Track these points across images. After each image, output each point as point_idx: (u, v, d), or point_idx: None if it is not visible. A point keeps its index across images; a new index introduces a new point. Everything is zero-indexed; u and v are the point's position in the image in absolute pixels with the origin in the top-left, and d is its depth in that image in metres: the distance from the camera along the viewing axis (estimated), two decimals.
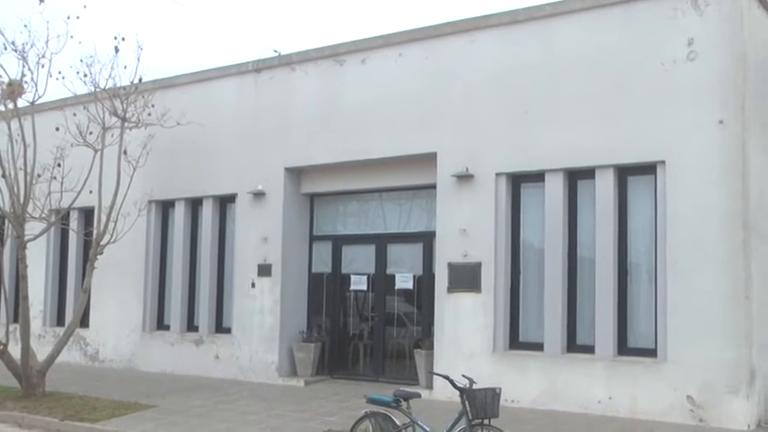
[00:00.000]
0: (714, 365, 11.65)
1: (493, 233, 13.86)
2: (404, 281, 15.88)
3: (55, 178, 15.65)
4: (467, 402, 8.38)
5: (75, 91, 16.15)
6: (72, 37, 15.09)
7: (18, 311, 15.74)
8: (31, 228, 15.37)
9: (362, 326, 16.63)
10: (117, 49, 15.68)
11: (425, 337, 15.06)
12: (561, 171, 13.40)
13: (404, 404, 8.98)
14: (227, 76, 17.63)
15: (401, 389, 9.41)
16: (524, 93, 13.69)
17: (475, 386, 8.56)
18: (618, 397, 12.45)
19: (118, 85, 16.01)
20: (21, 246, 14.79)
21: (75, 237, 19.40)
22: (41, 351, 16.14)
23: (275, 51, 17.05)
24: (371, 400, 9.21)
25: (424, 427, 8.92)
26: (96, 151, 15.53)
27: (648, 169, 12.70)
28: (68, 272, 20.09)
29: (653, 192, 12.68)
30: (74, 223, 19.11)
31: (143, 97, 16.32)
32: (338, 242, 16.87)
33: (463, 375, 8.88)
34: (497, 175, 13.92)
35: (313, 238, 17.18)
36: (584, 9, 13.28)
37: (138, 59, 15.99)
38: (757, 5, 12.68)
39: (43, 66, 15.09)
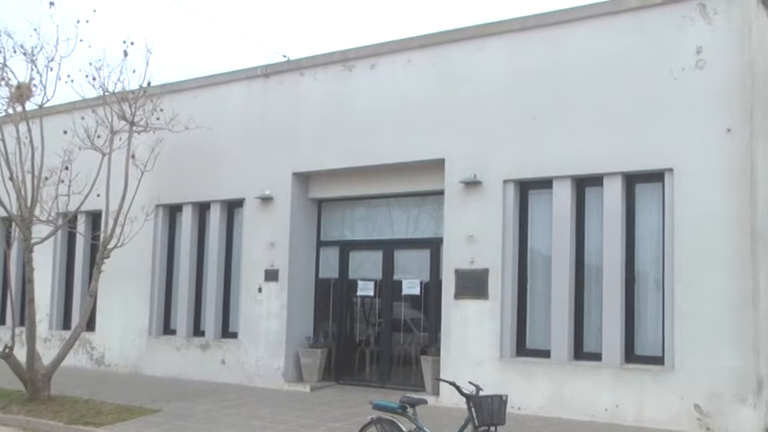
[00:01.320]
0: (721, 374, 11.61)
1: (500, 240, 13.84)
2: (411, 287, 15.85)
3: (62, 181, 15.66)
4: (473, 409, 8.35)
5: (84, 94, 16.17)
6: (81, 40, 15.11)
7: (24, 315, 15.76)
8: (38, 231, 15.40)
9: (369, 332, 16.62)
10: (126, 53, 15.70)
11: (432, 344, 15.04)
12: (569, 178, 13.39)
13: (410, 410, 8.95)
14: (235, 81, 17.65)
15: (407, 395, 9.38)
16: (533, 99, 13.68)
17: (481, 393, 8.54)
18: (625, 405, 12.41)
19: (126, 89, 16.02)
20: (27, 249, 14.79)
21: (82, 240, 19.44)
22: (47, 354, 16.15)
23: (284, 56, 17.09)
24: (377, 407, 9.18)
25: None
26: (104, 155, 15.54)
27: (656, 177, 12.68)
28: (75, 275, 20.10)
29: (660, 199, 12.66)
30: (81, 227, 19.12)
31: (152, 101, 16.34)
32: (345, 248, 16.86)
33: (470, 382, 8.85)
34: (505, 181, 13.91)
35: (320, 244, 17.18)
36: (593, 16, 13.29)
37: (147, 63, 16.00)
38: (766, 14, 12.67)
39: (52, 69, 15.13)
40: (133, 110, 15.99)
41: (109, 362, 18.99)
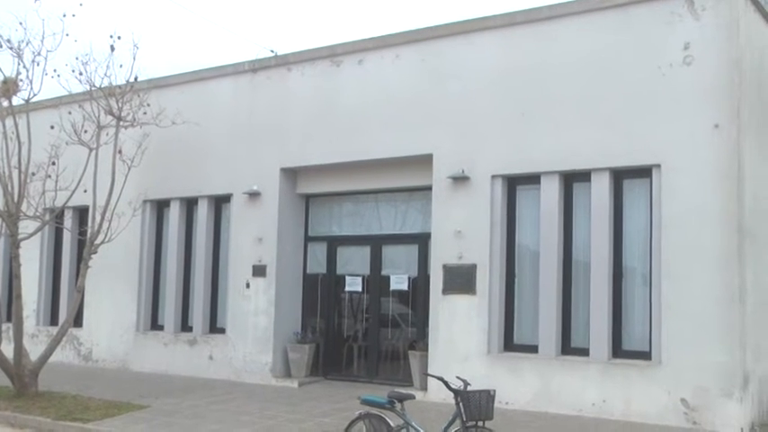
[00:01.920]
0: (708, 369, 11.66)
1: (488, 235, 13.85)
2: (399, 282, 15.85)
3: (49, 177, 15.59)
4: (461, 404, 8.37)
5: (71, 89, 16.15)
6: (68, 35, 15.08)
7: (11, 310, 15.70)
8: (25, 226, 15.32)
9: (357, 327, 16.62)
10: (113, 48, 15.65)
11: (420, 339, 15.04)
12: (557, 173, 13.40)
13: (398, 405, 8.96)
14: (223, 76, 17.60)
15: (395, 390, 9.43)
16: (521, 95, 13.69)
17: (469, 388, 8.55)
18: (612, 400, 12.45)
19: (113, 84, 15.96)
20: (14, 244, 14.74)
21: (70, 236, 19.38)
22: (34, 350, 16.09)
23: (272, 51, 17.09)
24: (365, 402, 9.19)
25: (419, 428, 8.91)
26: (91, 150, 15.50)
27: (644, 172, 12.71)
28: (62, 271, 20.02)
29: (648, 195, 12.69)
30: (68, 222, 19.08)
31: (138, 96, 16.28)
32: (333, 243, 16.84)
33: (457, 377, 8.87)
34: (493, 177, 13.91)
35: (308, 239, 17.16)
36: (581, 12, 13.29)
37: (134, 58, 15.95)
38: (753, 10, 12.71)
39: (38, 64, 15.08)
40: (120, 105, 15.94)
41: (96, 358, 18.93)
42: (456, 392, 8.48)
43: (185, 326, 17.96)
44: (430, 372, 13.15)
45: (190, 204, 18.21)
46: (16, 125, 14.93)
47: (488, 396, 8.41)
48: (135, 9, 46.83)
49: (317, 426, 11.99)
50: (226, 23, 49.37)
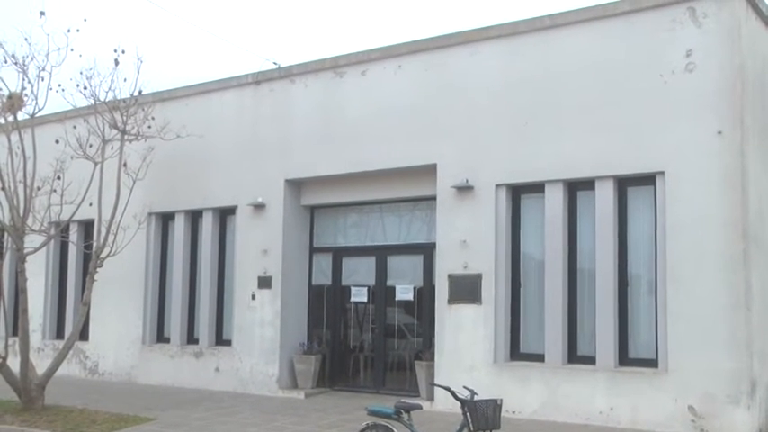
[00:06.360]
0: (715, 375, 11.64)
1: (493, 244, 13.86)
2: (404, 292, 15.87)
3: (55, 191, 15.63)
4: (468, 414, 8.37)
5: (75, 104, 16.17)
6: (72, 50, 15.11)
7: (17, 324, 15.71)
8: (31, 241, 15.34)
9: (363, 337, 16.62)
10: (117, 62, 15.69)
11: (426, 349, 15.05)
12: (561, 182, 13.42)
13: (405, 416, 8.95)
14: (226, 89, 17.65)
15: (402, 400, 9.39)
16: (524, 104, 13.71)
17: (476, 397, 8.56)
18: (619, 408, 12.43)
19: (118, 98, 16.01)
20: (20, 259, 14.75)
21: (75, 249, 19.40)
22: (41, 364, 16.09)
23: (275, 63, 17.10)
24: (372, 412, 9.18)
25: None
26: (96, 164, 15.53)
27: (648, 180, 12.72)
28: (68, 285, 20.06)
29: (652, 202, 12.70)
30: (73, 236, 19.09)
31: (143, 110, 16.34)
32: (338, 254, 16.86)
33: (464, 387, 8.88)
34: (497, 186, 13.93)
35: (313, 250, 17.18)
36: (583, 21, 13.33)
37: (138, 72, 16.04)
38: (755, 17, 12.74)
39: (43, 78, 15.11)
40: (124, 118, 15.98)
41: (103, 371, 18.94)
42: (463, 402, 8.48)
43: (191, 338, 17.97)
44: (436, 381, 13.15)
45: (195, 217, 18.25)
46: (21, 140, 14.94)
47: (495, 405, 8.42)
48: (139, 23, 46.99)
49: None
50: (229, 36, 49.50)
